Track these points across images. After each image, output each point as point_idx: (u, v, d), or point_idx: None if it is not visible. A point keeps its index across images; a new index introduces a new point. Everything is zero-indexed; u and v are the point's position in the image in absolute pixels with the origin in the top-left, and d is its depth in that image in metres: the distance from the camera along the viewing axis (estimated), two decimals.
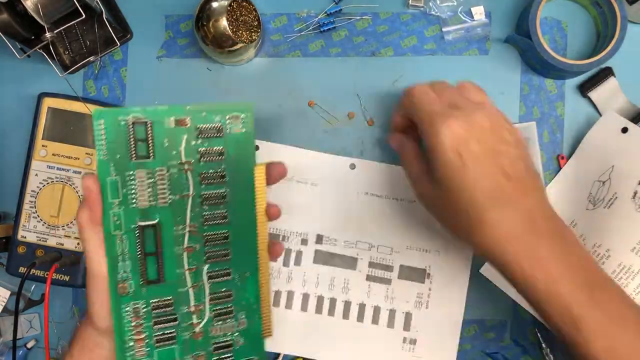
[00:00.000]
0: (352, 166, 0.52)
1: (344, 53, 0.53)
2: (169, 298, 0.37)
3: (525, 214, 0.38)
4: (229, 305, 0.39)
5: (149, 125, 0.35)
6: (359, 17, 0.53)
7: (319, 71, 0.53)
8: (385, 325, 0.51)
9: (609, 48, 0.48)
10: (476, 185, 0.38)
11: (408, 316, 0.51)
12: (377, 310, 0.51)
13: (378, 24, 0.53)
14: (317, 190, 0.52)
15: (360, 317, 0.51)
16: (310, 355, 0.51)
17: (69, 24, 0.46)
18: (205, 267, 0.38)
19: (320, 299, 0.51)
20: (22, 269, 0.50)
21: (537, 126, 0.51)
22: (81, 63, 0.50)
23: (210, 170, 0.37)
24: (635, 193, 0.49)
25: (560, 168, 0.52)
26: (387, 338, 0.51)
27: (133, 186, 0.35)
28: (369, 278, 0.51)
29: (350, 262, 0.51)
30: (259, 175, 0.38)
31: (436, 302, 0.51)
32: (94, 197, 0.35)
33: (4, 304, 0.53)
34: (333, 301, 0.51)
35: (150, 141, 0.35)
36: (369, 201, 0.52)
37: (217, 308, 0.39)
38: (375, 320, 0.51)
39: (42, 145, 0.51)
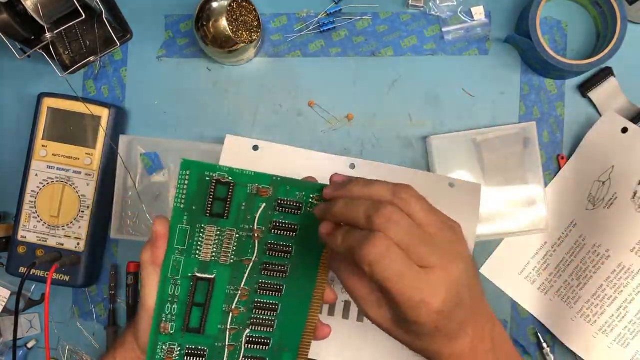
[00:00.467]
0: (352, 166, 0.52)
1: (344, 53, 0.53)
2: (204, 348, 0.38)
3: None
4: None
5: (231, 186, 0.36)
6: (359, 17, 0.53)
7: (319, 71, 0.53)
8: None
9: (609, 48, 0.48)
10: (454, 347, 0.35)
11: None
12: None
13: (378, 24, 0.53)
14: None
15: (361, 317, 0.51)
16: (311, 355, 0.51)
17: (69, 24, 0.46)
18: (247, 331, 0.38)
19: None
20: (22, 269, 0.50)
21: (537, 126, 0.51)
22: (81, 63, 0.50)
23: (279, 243, 0.37)
24: (635, 193, 0.49)
25: (560, 168, 0.52)
26: (387, 338, 0.51)
27: (200, 239, 0.36)
28: None
29: None
30: (325, 259, 0.38)
31: None
32: (160, 241, 0.36)
33: (4, 304, 0.53)
34: None
35: (229, 202, 0.36)
36: None
37: None
38: None
39: (42, 145, 0.51)
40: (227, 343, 0.38)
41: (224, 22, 0.47)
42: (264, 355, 0.39)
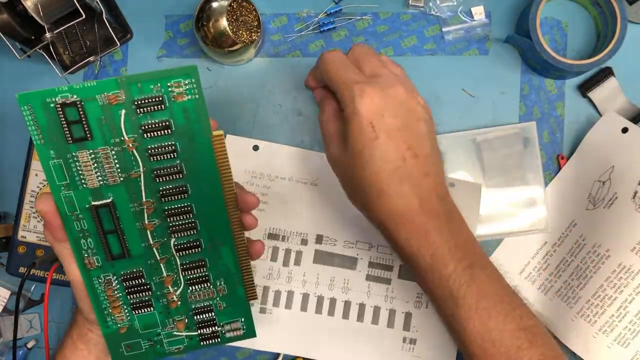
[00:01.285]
0: None
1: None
2: (138, 270, 0.38)
3: (422, 193, 0.39)
4: (204, 274, 0.39)
5: (79, 105, 0.33)
6: (359, 17, 0.53)
7: None
8: (385, 325, 0.51)
9: (609, 48, 0.48)
10: (383, 157, 0.39)
11: (408, 316, 0.51)
12: (377, 310, 0.51)
13: (378, 24, 0.53)
14: (317, 190, 0.52)
15: (360, 317, 0.51)
16: (310, 355, 0.51)
17: (69, 24, 0.46)
18: (172, 240, 0.38)
19: (320, 299, 0.51)
20: (22, 269, 0.50)
21: (537, 126, 0.51)
22: (81, 63, 0.50)
23: (159, 145, 0.35)
24: (635, 193, 0.49)
25: (560, 168, 0.52)
26: (387, 338, 0.51)
27: (79, 167, 0.35)
28: (369, 278, 0.51)
29: (350, 262, 0.51)
30: (218, 143, 0.36)
31: None
32: (49, 218, 0.36)
33: (4, 304, 0.53)
34: (333, 301, 0.51)
35: (85, 122, 0.34)
36: None
37: (192, 277, 0.39)
38: (375, 320, 0.51)
39: None
40: (158, 258, 0.38)
41: (224, 22, 0.47)
42: (202, 257, 0.39)
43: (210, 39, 0.47)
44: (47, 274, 0.48)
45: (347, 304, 0.51)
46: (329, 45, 0.53)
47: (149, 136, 0.35)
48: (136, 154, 0.35)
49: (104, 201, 0.36)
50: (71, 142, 0.34)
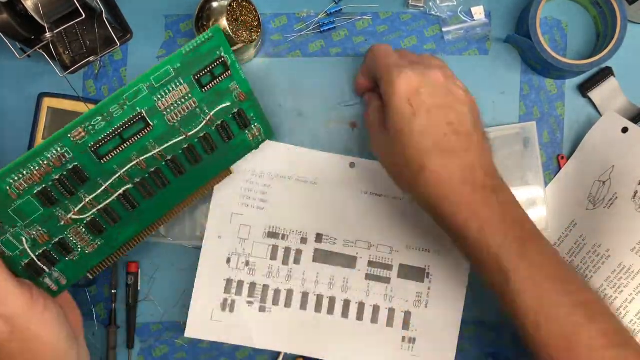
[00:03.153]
0: (352, 165, 0.52)
1: (344, 53, 0.53)
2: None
3: (466, 166, 0.39)
4: None
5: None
6: (359, 17, 0.53)
7: (319, 71, 0.53)
8: (385, 324, 0.51)
9: (609, 48, 0.48)
10: (423, 133, 0.39)
11: (407, 315, 0.51)
12: (376, 309, 0.51)
13: (378, 24, 0.53)
14: (317, 189, 0.52)
15: (360, 316, 0.51)
16: (310, 354, 0.51)
17: (69, 24, 0.46)
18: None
19: (319, 298, 0.51)
20: None
21: (537, 126, 0.51)
22: (81, 63, 0.50)
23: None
24: (636, 193, 0.49)
25: (560, 168, 0.52)
26: (386, 337, 0.51)
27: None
28: (369, 277, 0.51)
29: (349, 261, 0.51)
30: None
31: (435, 301, 0.51)
32: None
33: None
34: (332, 300, 0.51)
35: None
36: (369, 200, 0.52)
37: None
38: (374, 319, 0.51)
39: None
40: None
41: (224, 22, 0.47)
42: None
43: None
44: None
45: (346, 303, 0.51)
46: (329, 46, 0.53)
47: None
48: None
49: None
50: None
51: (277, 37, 0.53)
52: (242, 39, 0.48)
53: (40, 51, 0.46)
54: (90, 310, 0.53)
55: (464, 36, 0.52)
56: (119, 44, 0.49)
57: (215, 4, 0.47)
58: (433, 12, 0.52)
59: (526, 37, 0.49)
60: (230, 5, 0.47)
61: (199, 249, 0.51)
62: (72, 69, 0.49)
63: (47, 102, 0.51)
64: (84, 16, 0.45)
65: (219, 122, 0.44)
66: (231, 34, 0.47)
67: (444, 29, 0.52)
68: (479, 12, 0.52)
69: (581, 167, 0.51)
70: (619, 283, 0.49)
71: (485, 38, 0.52)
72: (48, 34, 0.45)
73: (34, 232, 0.40)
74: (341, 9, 0.53)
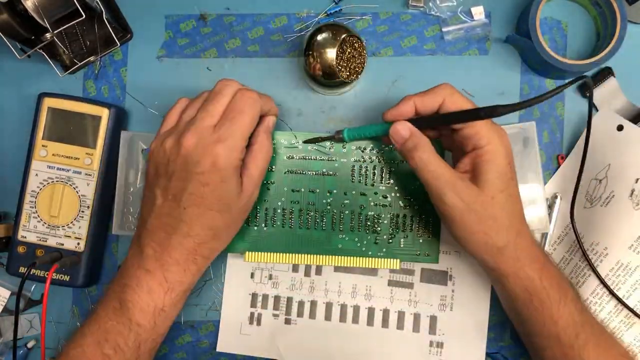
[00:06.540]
0: None
1: None
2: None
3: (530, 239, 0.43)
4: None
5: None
6: (359, 17, 0.53)
7: None
8: (411, 330, 0.50)
9: (609, 48, 0.48)
10: (518, 199, 0.41)
11: (433, 319, 0.51)
12: (401, 315, 0.51)
13: (378, 24, 0.53)
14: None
15: (385, 323, 0.51)
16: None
17: (69, 24, 0.46)
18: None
19: (343, 307, 0.51)
20: (22, 269, 0.50)
21: (537, 126, 0.51)
22: (81, 63, 0.50)
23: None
24: (632, 191, 0.49)
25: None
26: (413, 343, 0.50)
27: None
28: (391, 283, 0.51)
29: (371, 269, 0.51)
30: None
31: (460, 303, 0.51)
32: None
33: (4, 304, 0.53)
34: (356, 309, 0.51)
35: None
36: None
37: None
38: (400, 326, 0.51)
39: (42, 145, 0.50)
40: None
41: (332, 54, 0.46)
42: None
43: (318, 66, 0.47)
44: (47, 274, 0.48)
45: (370, 311, 0.51)
46: None
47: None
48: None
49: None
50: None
51: (277, 37, 0.53)
52: (343, 77, 0.47)
53: (40, 51, 0.46)
54: (90, 310, 0.53)
55: (464, 36, 0.52)
56: (119, 44, 0.49)
57: (324, 36, 0.46)
58: (433, 12, 0.52)
59: (526, 37, 0.49)
60: (343, 40, 0.46)
61: None
62: (72, 69, 0.49)
63: (47, 102, 0.50)
64: (84, 16, 0.45)
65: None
66: (335, 70, 0.46)
67: (444, 29, 0.52)
68: (478, 12, 0.52)
69: (578, 165, 0.51)
70: (617, 280, 0.49)
71: (485, 38, 0.52)
72: (48, 34, 0.45)
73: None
74: (341, 9, 0.53)
